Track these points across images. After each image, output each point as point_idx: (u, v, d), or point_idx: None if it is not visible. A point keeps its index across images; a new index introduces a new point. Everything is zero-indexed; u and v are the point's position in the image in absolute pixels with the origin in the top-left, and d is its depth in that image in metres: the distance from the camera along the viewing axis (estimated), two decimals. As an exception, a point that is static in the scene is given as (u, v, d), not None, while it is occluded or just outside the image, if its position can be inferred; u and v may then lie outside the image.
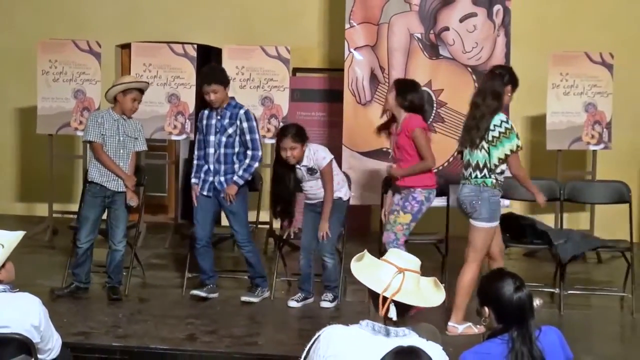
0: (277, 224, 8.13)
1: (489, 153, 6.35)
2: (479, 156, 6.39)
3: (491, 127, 6.34)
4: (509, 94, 6.53)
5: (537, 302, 6.53)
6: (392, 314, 3.60)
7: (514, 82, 6.55)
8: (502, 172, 6.45)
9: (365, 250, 3.90)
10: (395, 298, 3.57)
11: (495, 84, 6.47)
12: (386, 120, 7.06)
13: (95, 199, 7.27)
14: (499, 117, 6.36)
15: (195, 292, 7.26)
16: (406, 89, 6.86)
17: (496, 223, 6.54)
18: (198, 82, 7.20)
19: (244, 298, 7.26)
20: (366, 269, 3.74)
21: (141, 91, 7.35)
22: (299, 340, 6.06)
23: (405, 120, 6.78)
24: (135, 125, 7.40)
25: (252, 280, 7.38)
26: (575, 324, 6.79)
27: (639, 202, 9.77)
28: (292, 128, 7.10)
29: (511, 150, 6.34)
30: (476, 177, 6.40)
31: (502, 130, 6.32)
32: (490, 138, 6.34)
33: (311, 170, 7.06)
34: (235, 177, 7.15)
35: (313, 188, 7.11)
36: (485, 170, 6.36)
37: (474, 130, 6.41)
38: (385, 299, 3.58)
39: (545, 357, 3.69)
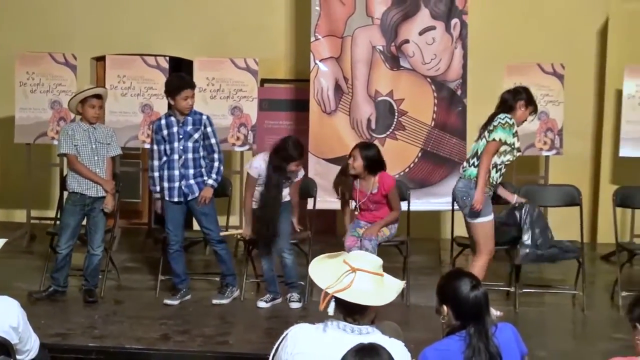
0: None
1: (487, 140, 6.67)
2: (479, 145, 6.71)
3: (494, 119, 6.65)
4: (522, 109, 6.79)
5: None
6: (330, 309, 3.62)
7: (528, 100, 6.84)
8: (498, 170, 6.69)
9: (343, 251, 3.92)
10: (340, 295, 3.59)
11: (509, 96, 6.83)
12: (343, 182, 7.27)
13: (75, 207, 7.22)
14: (505, 115, 6.66)
15: (168, 301, 7.22)
16: (368, 152, 7.16)
17: (486, 218, 6.71)
18: (178, 86, 7.05)
19: (215, 301, 7.24)
20: (324, 267, 3.76)
21: (98, 96, 7.30)
22: (267, 339, 6.05)
23: (380, 180, 7.13)
24: (106, 131, 7.39)
25: (223, 279, 7.36)
26: (530, 321, 6.84)
27: (589, 205, 9.89)
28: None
29: (494, 139, 6.58)
30: (473, 164, 6.68)
31: (503, 122, 6.60)
32: (491, 127, 6.63)
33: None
34: (210, 181, 7.16)
35: None
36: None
37: (482, 129, 6.80)
38: (326, 294, 3.61)
39: (501, 353, 3.71)
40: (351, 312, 3.64)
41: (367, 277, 3.65)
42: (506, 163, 6.75)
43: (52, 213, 8.74)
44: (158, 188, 7.22)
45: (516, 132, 6.72)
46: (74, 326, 6.56)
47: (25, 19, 10.72)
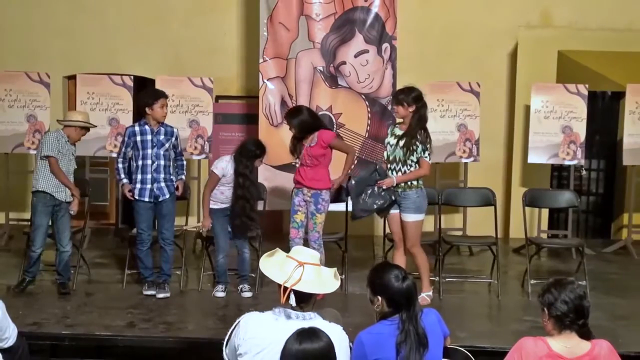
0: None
1: None
2: None
3: None
4: None
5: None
6: (292, 301, 3.63)
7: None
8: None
9: (277, 248, 3.92)
10: (296, 287, 3.61)
11: None
12: (293, 143, 7.14)
13: (47, 207, 7.09)
14: None
15: (161, 295, 7.06)
16: (296, 118, 6.97)
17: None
18: (155, 96, 7.02)
19: (160, 295, 7.06)
20: (272, 264, 3.77)
21: (89, 129, 7.35)
22: (223, 325, 6.03)
23: (319, 135, 6.93)
24: (75, 148, 7.33)
25: (162, 276, 7.19)
26: (452, 306, 6.89)
27: (502, 205, 10.03)
28: None
29: None
30: None
31: None
32: None
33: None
34: (182, 177, 7.23)
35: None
36: None
37: None
38: (285, 288, 3.62)
39: (427, 335, 3.74)
40: (300, 300, 3.65)
41: (311, 269, 3.68)
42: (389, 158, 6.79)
43: (27, 215, 8.57)
44: (123, 176, 7.08)
45: (393, 132, 6.79)
46: (49, 316, 6.46)
47: (2, 41, 10.55)
